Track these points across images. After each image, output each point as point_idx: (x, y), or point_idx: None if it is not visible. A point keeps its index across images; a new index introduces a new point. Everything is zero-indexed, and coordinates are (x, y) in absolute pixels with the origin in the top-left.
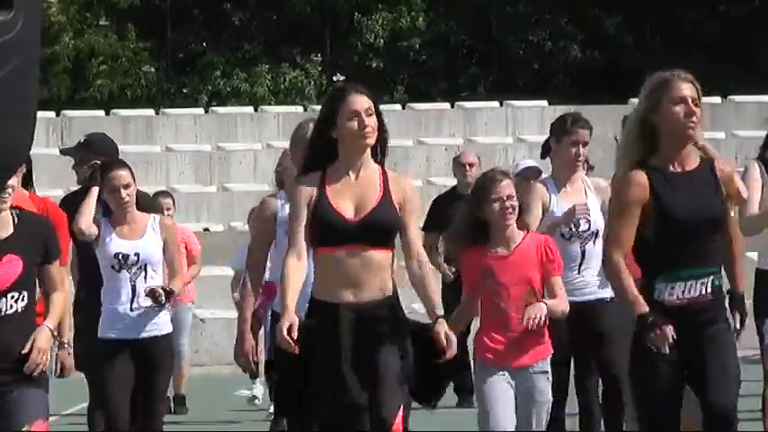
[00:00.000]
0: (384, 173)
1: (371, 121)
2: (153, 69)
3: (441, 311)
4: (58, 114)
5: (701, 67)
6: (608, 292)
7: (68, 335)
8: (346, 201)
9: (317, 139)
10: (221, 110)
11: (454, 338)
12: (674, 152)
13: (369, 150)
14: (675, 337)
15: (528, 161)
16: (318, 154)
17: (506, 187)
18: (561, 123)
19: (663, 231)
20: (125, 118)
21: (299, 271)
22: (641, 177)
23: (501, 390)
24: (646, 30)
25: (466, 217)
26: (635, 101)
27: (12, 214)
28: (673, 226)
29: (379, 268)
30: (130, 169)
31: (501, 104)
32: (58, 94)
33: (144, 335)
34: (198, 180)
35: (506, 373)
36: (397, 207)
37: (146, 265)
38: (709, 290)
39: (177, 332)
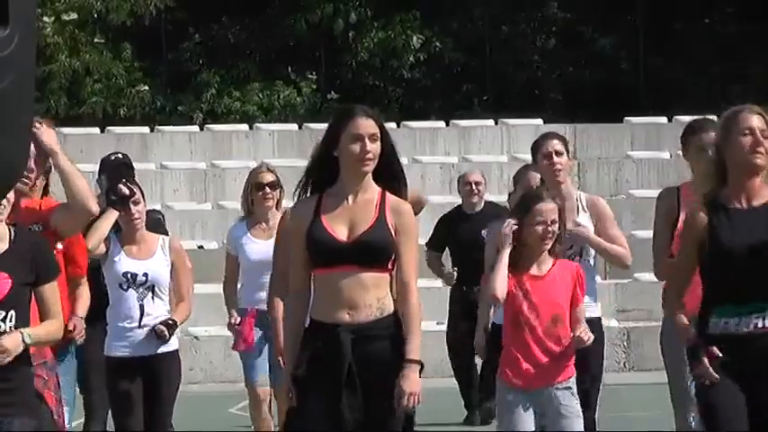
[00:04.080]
0: (383, 197)
1: (374, 148)
2: (147, 87)
3: (414, 356)
4: None
5: (701, 85)
6: (594, 312)
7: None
8: (341, 222)
9: (321, 157)
10: (216, 127)
11: (414, 391)
12: (742, 185)
13: (370, 174)
14: (729, 362)
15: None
16: (321, 171)
17: (552, 211)
18: (534, 143)
19: (717, 266)
20: (120, 135)
21: (298, 318)
22: (701, 217)
23: (521, 415)
24: (640, 48)
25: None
26: (630, 119)
27: (9, 230)
28: (726, 261)
29: (375, 288)
30: (140, 188)
31: (496, 123)
32: (54, 111)
33: (152, 352)
34: (193, 197)
35: (528, 396)
36: (392, 231)
37: (153, 285)
38: (766, 324)
39: None
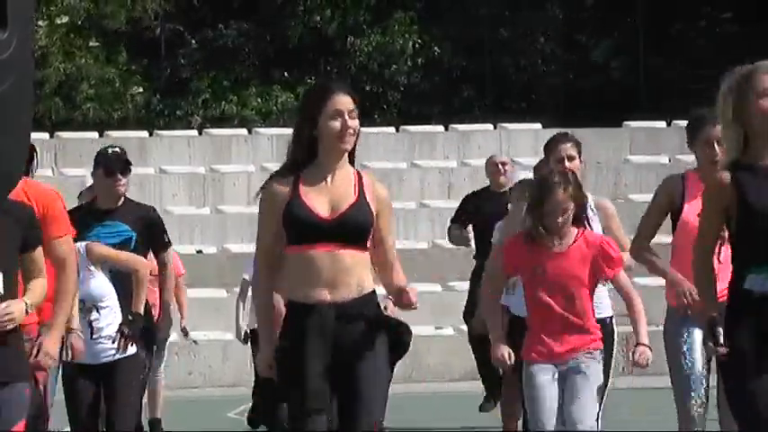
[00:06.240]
0: (360, 176)
1: (354, 124)
2: (144, 92)
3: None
4: (52, 136)
5: (700, 86)
6: (605, 311)
7: (76, 322)
8: (321, 200)
9: (300, 136)
10: (215, 132)
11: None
12: (764, 146)
13: (347, 153)
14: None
15: (522, 172)
16: (301, 152)
17: (563, 202)
18: (546, 145)
19: (749, 225)
20: (118, 139)
21: (272, 295)
22: (724, 178)
23: (547, 391)
24: (640, 49)
25: (528, 215)
26: (629, 124)
27: None
28: (757, 218)
29: (354, 267)
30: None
31: (495, 127)
32: (49, 115)
33: (107, 359)
34: (192, 202)
35: (553, 370)
36: (372, 210)
37: (93, 305)
38: None
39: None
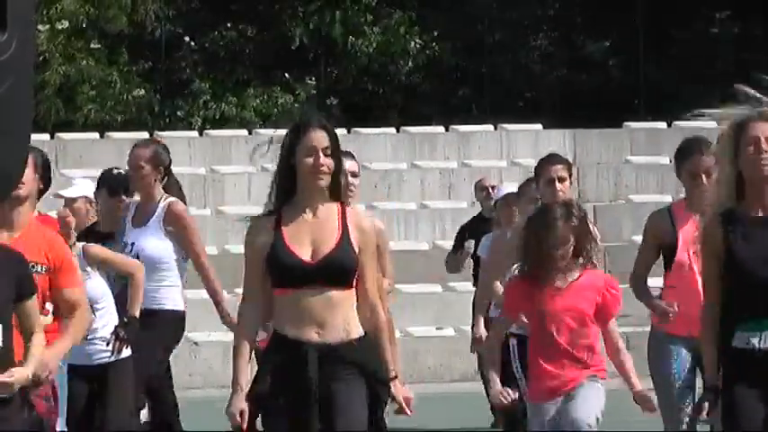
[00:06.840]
0: (343, 210)
1: (328, 161)
2: (144, 93)
3: (393, 372)
4: (52, 137)
5: (699, 86)
6: None
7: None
8: (303, 241)
9: (283, 171)
10: (215, 133)
11: (411, 396)
12: (757, 195)
13: (326, 187)
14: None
15: (508, 186)
16: (285, 186)
17: (563, 237)
18: (537, 165)
19: (737, 279)
20: (119, 141)
21: (253, 331)
22: (713, 229)
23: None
24: (640, 49)
25: (531, 249)
26: (630, 124)
27: None
28: (744, 273)
29: (341, 307)
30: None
31: (495, 128)
32: (49, 117)
33: (101, 360)
34: (192, 203)
35: (558, 404)
36: (357, 248)
37: (89, 306)
38: None
39: None
